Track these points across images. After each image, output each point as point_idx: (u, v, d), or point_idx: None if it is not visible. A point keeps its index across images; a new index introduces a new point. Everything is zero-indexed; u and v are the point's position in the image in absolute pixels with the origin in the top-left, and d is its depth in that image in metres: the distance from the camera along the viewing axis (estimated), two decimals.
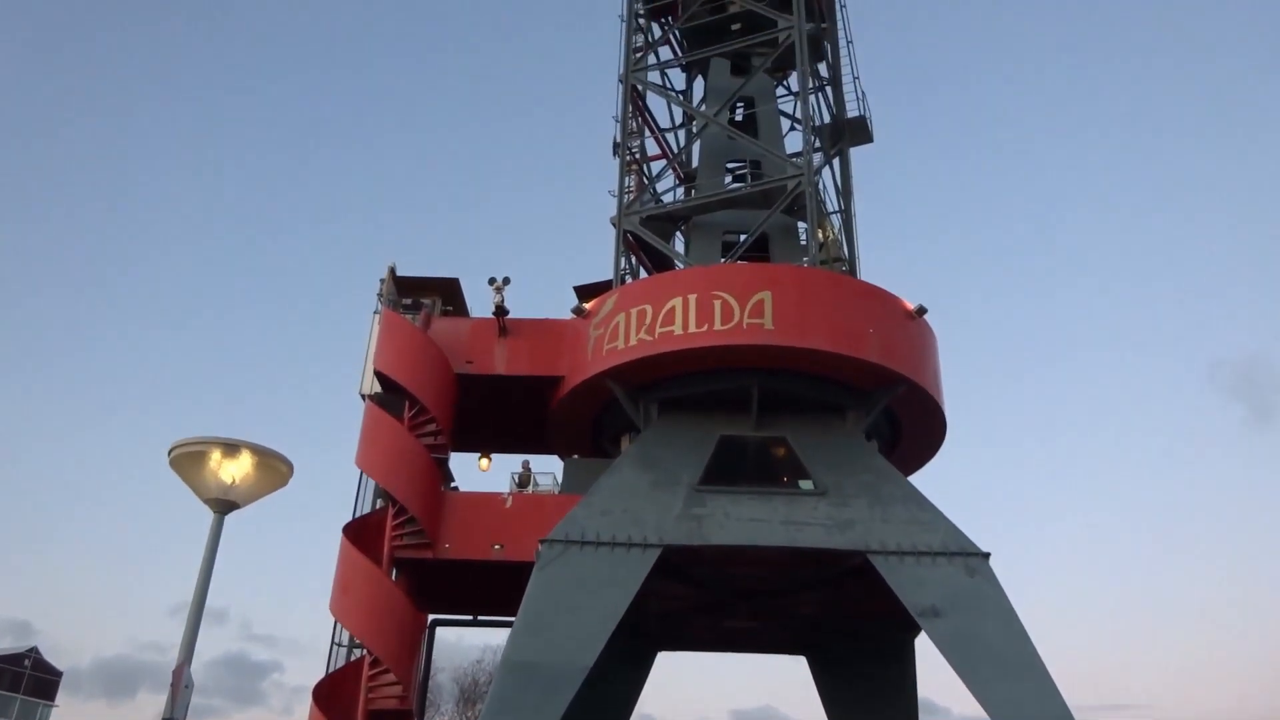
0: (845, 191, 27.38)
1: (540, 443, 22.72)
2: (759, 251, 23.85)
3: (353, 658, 19.63)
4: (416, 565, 19.91)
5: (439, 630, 22.76)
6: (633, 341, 19.39)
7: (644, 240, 24.00)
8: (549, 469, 22.12)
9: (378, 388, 21.49)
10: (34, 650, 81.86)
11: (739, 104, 26.94)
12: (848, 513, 17.79)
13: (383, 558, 19.47)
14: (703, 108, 27.27)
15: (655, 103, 28.44)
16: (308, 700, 18.62)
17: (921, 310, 20.53)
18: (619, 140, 25.82)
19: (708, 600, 21.30)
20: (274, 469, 10.29)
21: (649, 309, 19.50)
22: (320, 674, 19.50)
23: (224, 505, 10.08)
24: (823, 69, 28.13)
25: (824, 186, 25.84)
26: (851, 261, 26.18)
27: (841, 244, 26.25)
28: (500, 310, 21.34)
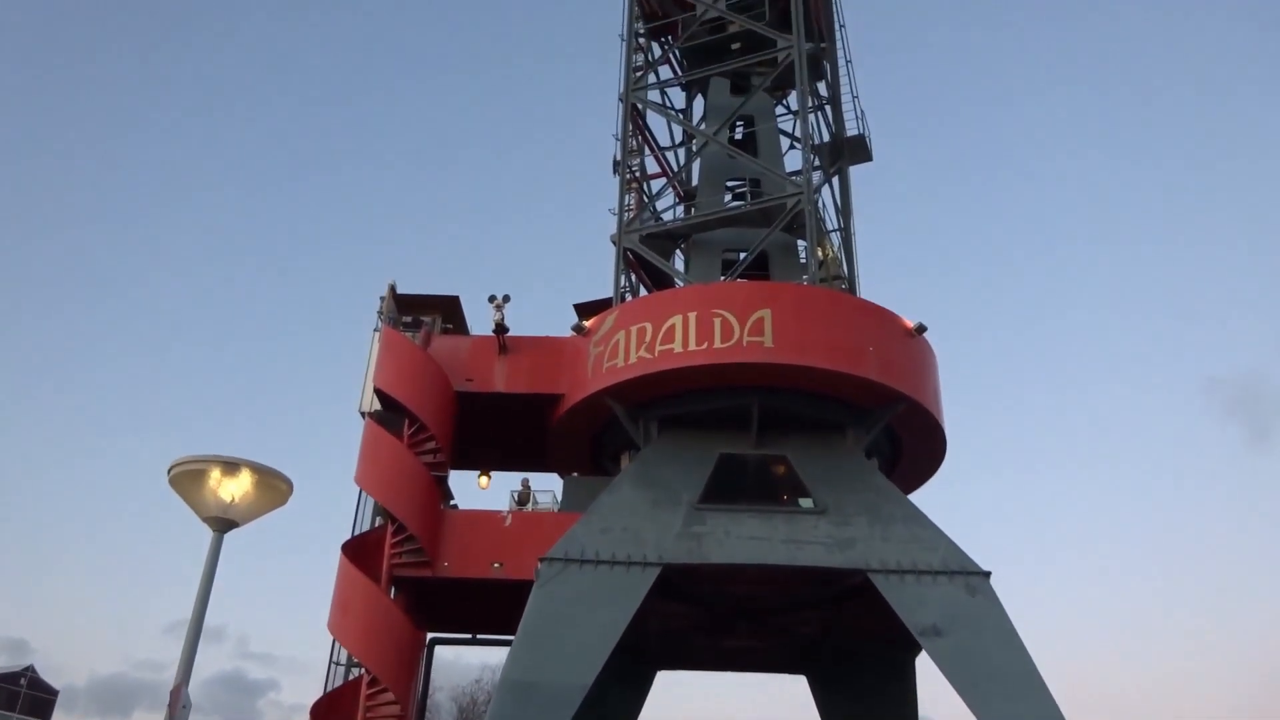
0: (845, 210, 27.47)
1: (540, 460, 22.69)
2: (759, 270, 23.89)
3: (351, 676, 19.55)
4: (415, 583, 19.85)
5: (438, 649, 22.66)
6: (632, 359, 19.39)
7: (644, 258, 24.05)
8: (549, 487, 22.11)
9: (377, 405, 21.48)
10: (30, 669, 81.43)
11: (739, 123, 27.06)
12: (848, 531, 17.75)
13: (381, 576, 19.40)
14: (702, 126, 27.39)
15: (655, 121, 28.60)
16: (305, 719, 18.54)
17: (921, 328, 20.55)
18: (619, 158, 25.92)
19: (707, 619, 21.23)
20: (273, 487, 10.27)
21: (649, 327, 19.52)
22: (317, 693, 19.43)
23: (223, 524, 10.05)
24: (822, 88, 28.27)
25: (823, 205, 25.93)
26: (851, 280, 26.23)
27: (841, 262, 26.31)
28: (500, 328, 21.36)
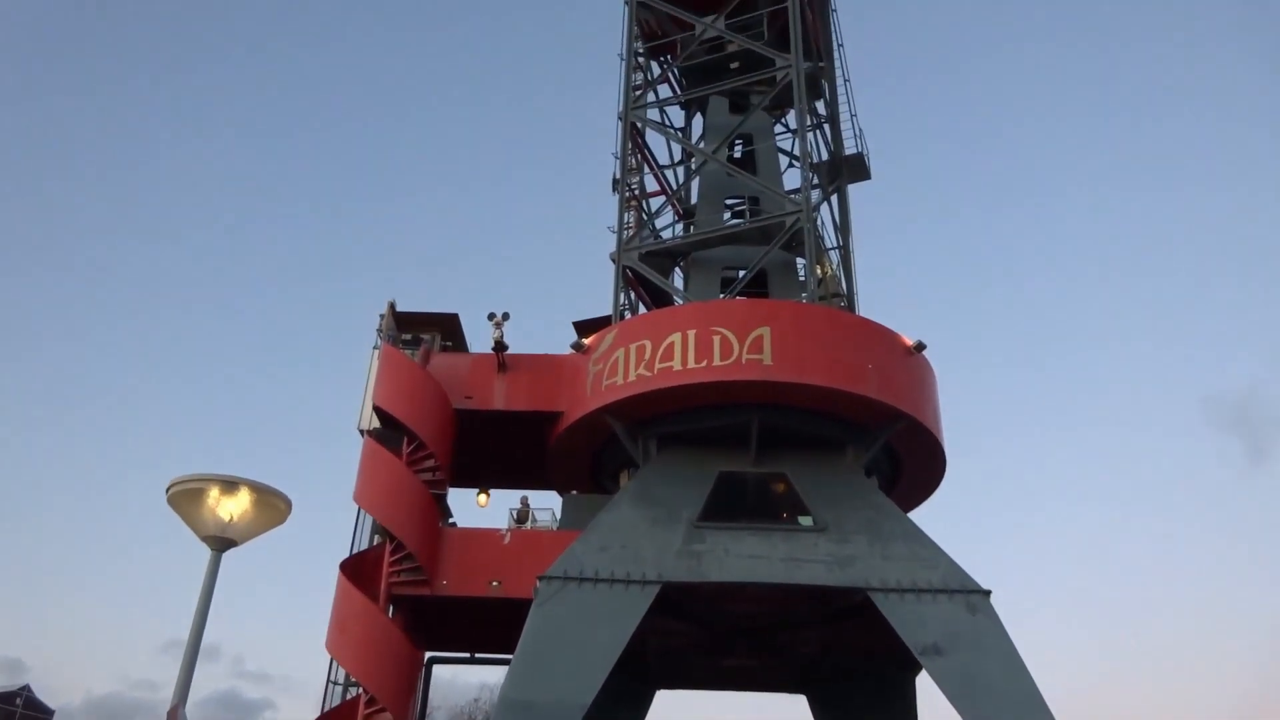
0: (843, 228, 27.54)
1: (539, 478, 22.65)
2: (758, 287, 23.93)
3: (348, 696, 19.45)
4: (414, 602, 19.77)
5: (436, 667, 22.57)
6: (631, 377, 19.39)
7: (643, 276, 24.08)
8: (547, 505, 22.06)
9: (377, 423, 21.46)
10: (26, 689, 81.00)
11: (738, 141, 27.15)
12: (848, 549, 17.70)
13: (380, 594, 19.33)
14: (702, 145, 27.48)
15: (654, 140, 28.70)
16: None
17: (920, 346, 20.56)
18: (618, 177, 25.98)
19: (707, 638, 21.15)
20: (272, 506, 10.25)
21: (648, 344, 19.52)
22: (314, 712, 19.34)
23: (222, 543, 10.03)
24: (820, 107, 28.42)
25: (822, 223, 25.99)
26: (850, 297, 26.27)
27: (840, 280, 26.36)
28: (499, 346, 21.36)
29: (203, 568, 10.03)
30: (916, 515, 21.97)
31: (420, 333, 23.21)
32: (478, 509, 23.17)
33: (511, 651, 16.53)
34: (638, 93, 26.99)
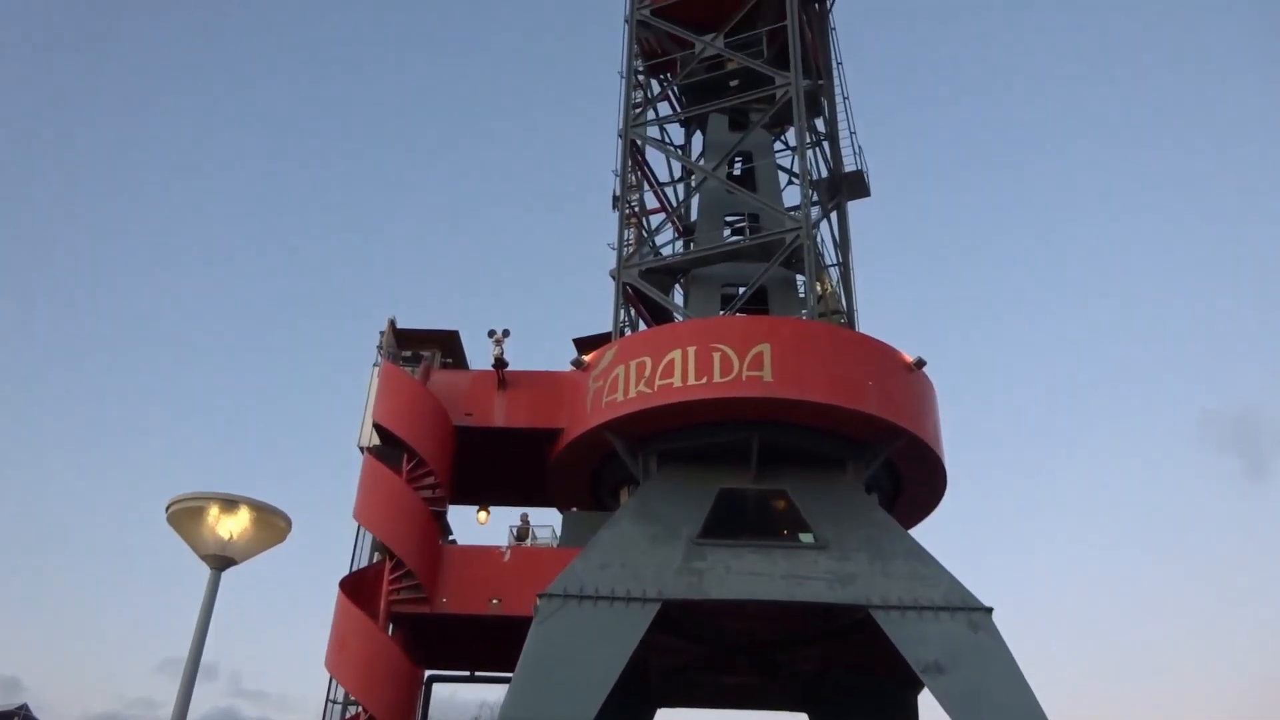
0: (843, 245, 27.59)
1: (539, 495, 22.62)
2: (758, 304, 23.96)
3: (348, 715, 19.37)
4: (413, 620, 19.71)
5: (435, 686, 22.47)
6: (632, 394, 19.39)
7: (643, 293, 24.12)
8: (548, 522, 22.03)
9: (376, 440, 21.45)
10: (24, 708, 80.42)
11: (737, 159, 27.24)
12: (849, 566, 17.65)
13: (379, 612, 19.27)
14: (701, 162, 27.58)
15: (654, 157, 28.80)
16: None
17: (921, 362, 20.56)
18: (618, 194, 26.06)
19: (708, 655, 21.08)
20: (272, 525, 10.22)
21: (648, 361, 19.53)
22: None
23: (221, 561, 9.99)
24: (820, 124, 28.53)
25: (822, 240, 26.06)
26: (850, 314, 26.30)
27: (840, 297, 26.39)
28: (500, 363, 21.38)
29: (198, 585, 10.02)
30: (917, 532, 21.95)
31: (420, 350, 23.24)
32: (478, 526, 23.17)
33: (511, 670, 16.45)
34: (637, 110, 27.12)
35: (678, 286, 25.90)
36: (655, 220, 27.59)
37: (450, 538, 21.45)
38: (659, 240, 26.79)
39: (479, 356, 23.37)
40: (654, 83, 29.31)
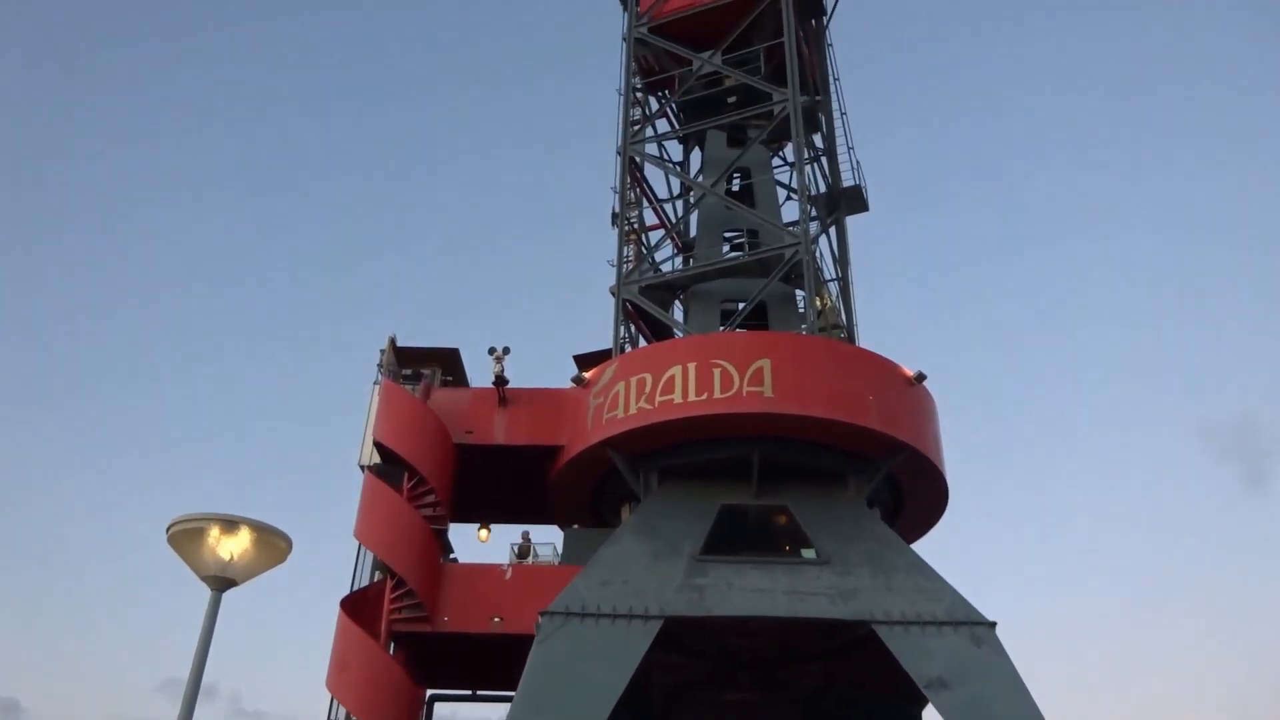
0: (842, 259, 27.65)
1: (540, 513, 22.59)
2: (758, 320, 23.98)
3: None
4: (415, 639, 19.65)
5: (437, 705, 22.36)
6: (632, 410, 19.39)
7: (643, 309, 24.15)
8: (549, 540, 21.98)
9: (377, 458, 21.43)
10: None
11: (736, 174, 27.32)
12: (851, 582, 17.61)
13: (380, 632, 19.22)
14: (700, 178, 27.66)
15: (653, 174, 28.90)
16: None
17: (921, 376, 20.57)
18: (618, 211, 26.13)
19: (710, 672, 20.98)
20: (272, 545, 10.20)
21: (648, 378, 19.54)
22: None
23: (222, 582, 9.97)
24: (818, 140, 28.63)
25: (821, 255, 26.11)
26: (850, 329, 26.32)
27: (839, 311, 26.42)
28: (500, 380, 21.39)
29: (198, 603, 10.00)
30: (919, 546, 21.90)
31: (421, 368, 23.25)
32: (479, 544, 23.13)
33: (514, 688, 16.38)
34: (636, 128, 27.23)
35: (677, 303, 25.95)
36: (655, 237, 27.68)
37: (451, 556, 21.41)
38: (658, 256, 26.89)
39: (479, 374, 23.41)
40: (652, 100, 29.44)
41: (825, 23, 29.61)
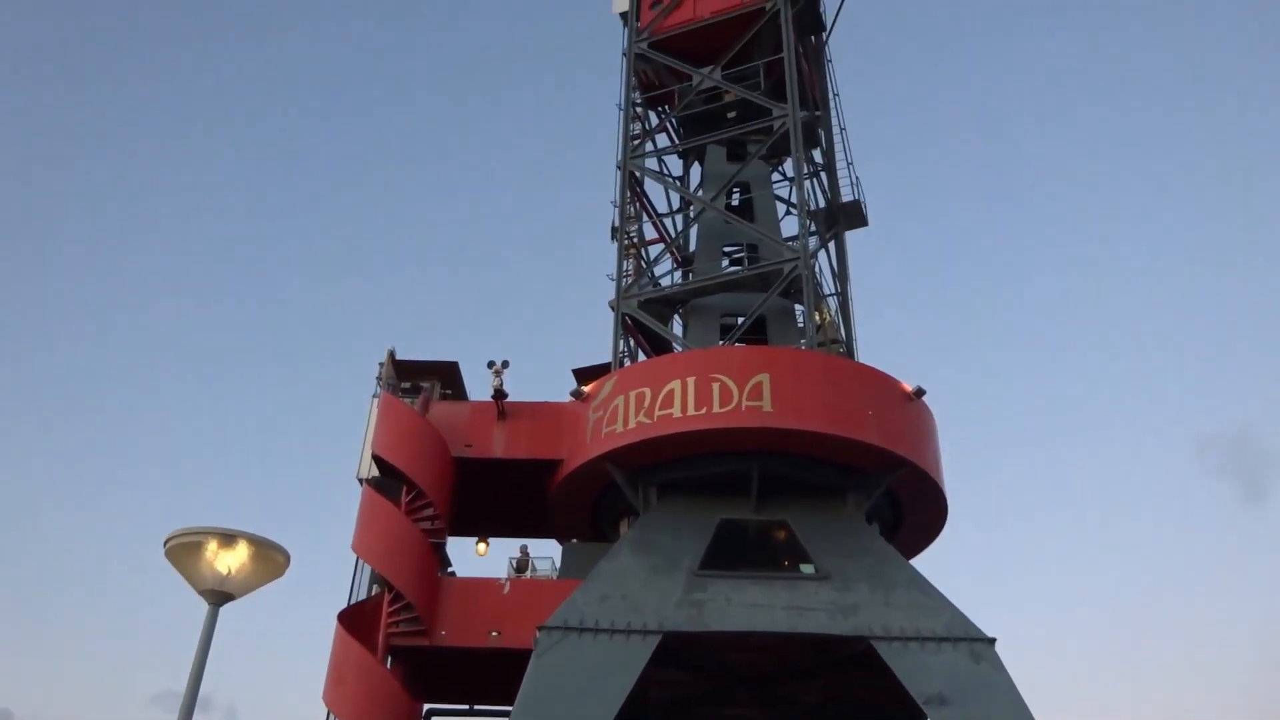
0: (841, 274, 27.69)
1: (539, 527, 22.54)
2: (757, 334, 23.99)
3: None
4: (412, 653, 19.58)
5: None
6: (631, 424, 19.37)
7: (642, 323, 24.17)
8: (547, 554, 21.92)
9: (375, 472, 21.40)
10: None
11: (735, 189, 27.39)
12: (850, 597, 17.56)
13: (378, 645, 19.15)
14: (700, 193, 27.72)
15: (653, 188, 28.97)
16: None
17: (920, 392, 20.57)
18: (617, 225, 26.19)
19: (709, 688, 20.90)
20: (270, 559, 10.17)
21: (648, 392, 19.53)
22: None
23: (219, 596, 9.93)
24: (817, 155, 28.71)
25: (820, 269, 26.15)
26: (849, 343, 26.33)
27: (839, 326, 26.44)
28: (499, 394, 21.38)
29: (193, 613, 9.98)
30: (918, 562, 21.85)
31: (420, 381, 23.25)
32: (477, 558, 23.06)
33: (511, 703, 16.32)
34: (636, 142, 27.32)
35: (677, 317, 25.97)
36: (654, 251, 27.72)
37: (449, 569, 21.34)
38: (658, 271, 26.93)
39: (478, 387, 23.41)
40: (652, 115, 29.55)
41: (825, 38, 29.76)
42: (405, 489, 20.62)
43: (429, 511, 20.43)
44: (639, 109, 28.39)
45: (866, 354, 26.54)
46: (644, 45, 28.15)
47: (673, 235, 28.74)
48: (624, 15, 29.63)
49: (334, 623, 19.37)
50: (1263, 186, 76.19)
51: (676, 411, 19.02)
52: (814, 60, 29.32)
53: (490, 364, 21.59)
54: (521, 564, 21.53)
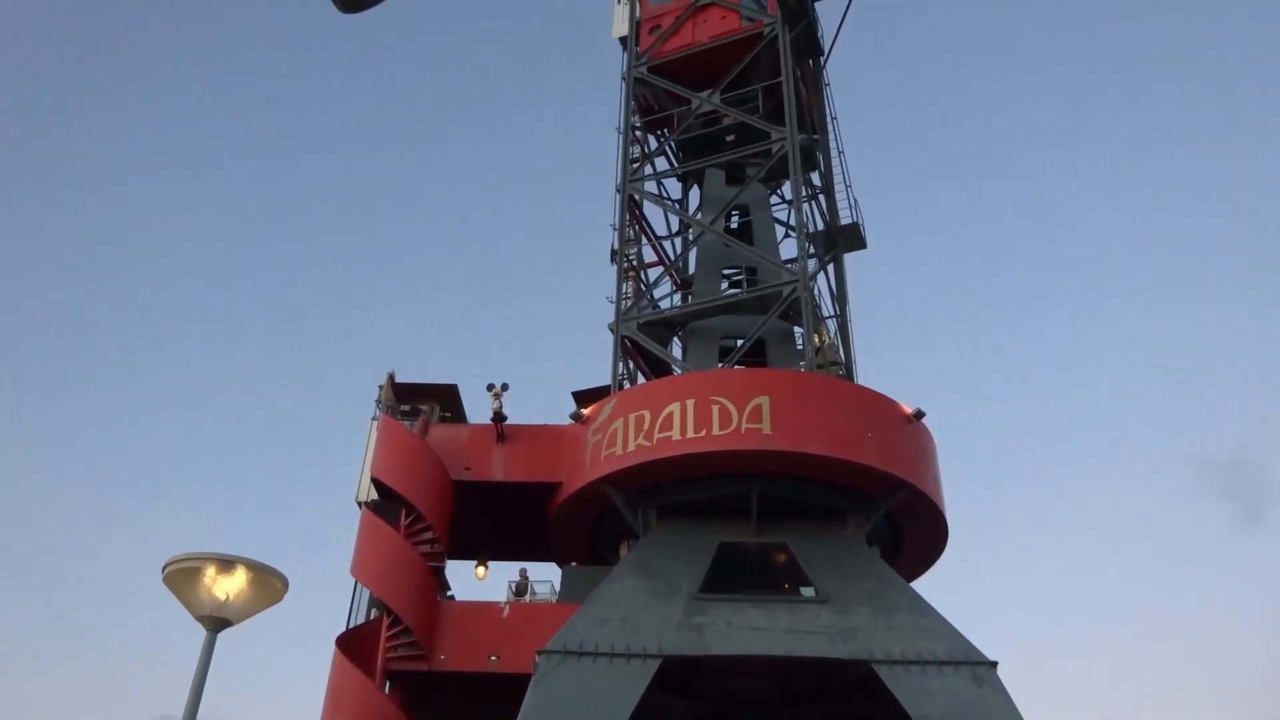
0: (840, 296, 27.75)
1: (538, 550, 22.47)
2: (756, 357, 24.00)
3: None
4: (411, 678, 19.47)
5: None
6: (631, 447, 19.35)
7: (642, 346, 24.19)
8: (547, 577, 21.83)
9: (374, 495, 21.35)
10: None
11: (734, 212, 27.47)
12: (851, 621, 17.48)
13: (376, 670, 19.05)
14: (699, 216, 27.81)
15: (652, 211, 29.05)
16: None
17: (920, 414, 20.56)
18: (616, 248, 26.24)
19: (709, 712, 20.76)
20: (269, 585, 10.13)
21: (647, 414, 19.52)
22: None
23: (217, 623, 9.88)
24: (816, 178, 28.83)
25: (819, 292, 26.20)
26: (848, 366, 26.35)
27: (838, 348, 26.46)
28: (498, 416, 21.37)
29: (190, 637, 9.94)
30: (919, 585, 21.76)
31: (419, 404, 23.24)
32: (476, 582, 22.97)
33: None
34: (635, 165, 27.43)
35: (676, 339, 25.99)
36: (654, 273, 27.78)
37: (448, 593, 21.27)
38: (657, 293, 27.01)
39: (478, 410, 23.38)
40: (651, 138, 29.69)
41: (823, 63, 29.96)
42: (404, 512, 20.57)
43: (428, 535, 20.38)
44: (638, 133, 28.52)
45: (866, 376, 26.57)
46: (643, 70, 28.32)
47: (672, 258, 28.81)
48: (623, 40, 29.83)
49: (332, 647, 19.28)
50: (1261, 210, 76.55)
51: (676, 434, 19.00)
52: (812, 84, 29.51)
53: (489, 387, 21.59)
54: (521, 587, 21.45)
